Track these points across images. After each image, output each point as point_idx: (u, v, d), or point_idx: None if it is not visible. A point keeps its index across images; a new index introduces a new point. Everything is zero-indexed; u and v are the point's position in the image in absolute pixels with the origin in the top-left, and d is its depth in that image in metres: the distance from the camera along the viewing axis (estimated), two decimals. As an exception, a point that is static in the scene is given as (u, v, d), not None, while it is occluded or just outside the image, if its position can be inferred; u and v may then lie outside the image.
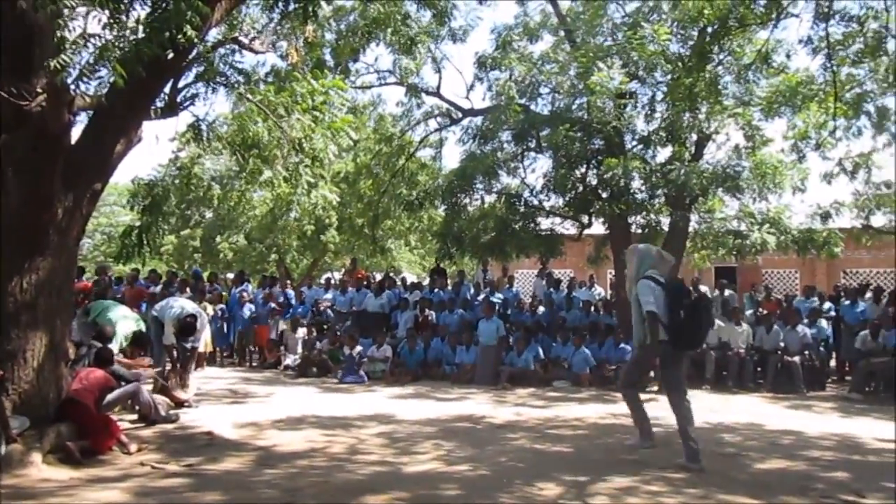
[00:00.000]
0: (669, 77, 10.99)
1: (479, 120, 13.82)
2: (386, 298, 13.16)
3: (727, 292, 13.16)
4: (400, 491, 4.77)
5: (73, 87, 4.99)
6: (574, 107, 12.23)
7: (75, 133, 5.66)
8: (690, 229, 11.80)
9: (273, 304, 13.37)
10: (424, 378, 11.30)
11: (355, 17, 12.33)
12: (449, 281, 15.36)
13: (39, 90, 4.83)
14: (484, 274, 15.07)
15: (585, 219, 12.67)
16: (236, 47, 7.61)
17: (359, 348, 11.31)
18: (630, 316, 5.44)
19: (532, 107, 12.83)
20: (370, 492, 4.73)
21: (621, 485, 5.03)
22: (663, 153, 12.18)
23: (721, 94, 10.35)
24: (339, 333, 12.04)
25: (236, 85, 7.36)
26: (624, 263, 5.76)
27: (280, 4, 5.63)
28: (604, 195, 11.60)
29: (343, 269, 22.69)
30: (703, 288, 14.05)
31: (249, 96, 7.38)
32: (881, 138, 14.64)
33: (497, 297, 13.08)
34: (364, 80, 14.97)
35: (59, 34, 4.24)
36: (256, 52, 7.88)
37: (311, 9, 5.07)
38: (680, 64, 10.59)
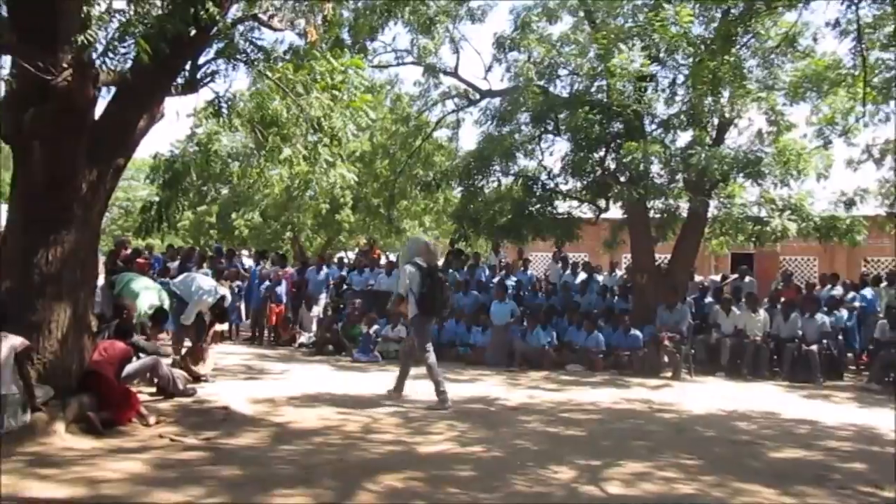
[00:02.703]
0: (691, 60, 10.84)
1: (497, 101, 13.72)
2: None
3: (746, 279, 13.07)
4: (414, 470, 4.82)
5: (98, 62, 5.00)
6: (593, 89, 12.11)
7: (99, 108, 5.70)
8: (709, 215, 11.71)
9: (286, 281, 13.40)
10: (438, 359, 11.30)
11: (373, -5, 12.23)
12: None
13: (65, 65, 4.84)
14: (496, 256, 15.08)
15: (603, 203, 12.59)
16: (255, 24, 7.59)
17: (376, 327, 11.38)
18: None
19: (551, 89, 12.72)
20: (385, 470, 4.79)
21: (635, 470, 5.06)
22: (684, 137, 12.06)
23: (745, 78, 10.18)
24: (356, 311, 12.08)
25: (256, 62, 7.34)
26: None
27: (303, -19, 5.59)
28: (622, 179, 11.52)
29: (357, 248, 22.77)
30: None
31: (269, 73, 7.36)
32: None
33: (512, 280, 13.08)
34: (381, 60, 14.91)
35: (85, 9, 4.25)
36: (275, 30, 7.84)
37: (334, -15, 5.04)
38: (703, 46, 10.42)
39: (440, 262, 14.63)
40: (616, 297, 12.66)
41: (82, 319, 5.86)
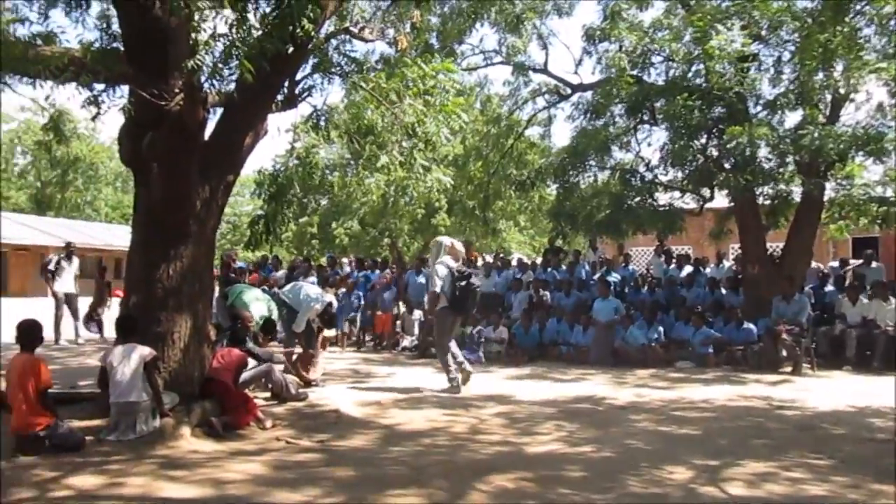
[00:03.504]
0: (797, 35, 10.21)
1: (589, 95, 13.47)
2: (500, 279, 13.17)
3: (873, 264, 12.18)
4: (524, 471, 4.78)
5: (205, 85, 5.28)
6: (690, 74, 11.63)
7: (208, 129, 6.01)
8: (825, 198, 10.99)
9: (394, 289, 13.61)
10: (540, 359, 11.26)
11: (458, -1, 12.32)
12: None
13: (177, 90, 5.15)
14: (594, 252, 14.76)
15: (707, 192, 12.08)
16: (347, 37, 7.80)
17: (479, 327, 11.42)
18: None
19: (645, 77, 12.34)
20: (495, 471, 4.77)
21: (757, 470, 4.80)
22: (792, 118, 11.39)
23: (861, 49, 9.47)
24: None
25: (349, 74, 7.54)
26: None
27: (391, -10, 5.70)
28: (727, 166, 11.01)
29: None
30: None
31: (362, 84, 7.54)
32: None
33: (614, 276, 12.78)
34: (470, 62, 14.97)
35: (193, 36, 4.50)
36: (366, 41, 8.04)
37: (422, -7, 5.10)
38: (810, 20, 9.80)
39: (538, 261, 14.55)
40: (725, 290, 12.10)
41: (201, 329, 6.20)
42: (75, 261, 12.34)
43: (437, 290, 8.20)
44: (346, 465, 4.96)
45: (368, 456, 5.28)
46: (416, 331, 12.73)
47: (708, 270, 12.97)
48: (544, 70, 14.63)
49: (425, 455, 5.31)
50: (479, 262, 15.20)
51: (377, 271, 14.71)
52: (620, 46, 12.53)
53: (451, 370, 8.11)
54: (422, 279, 13.55)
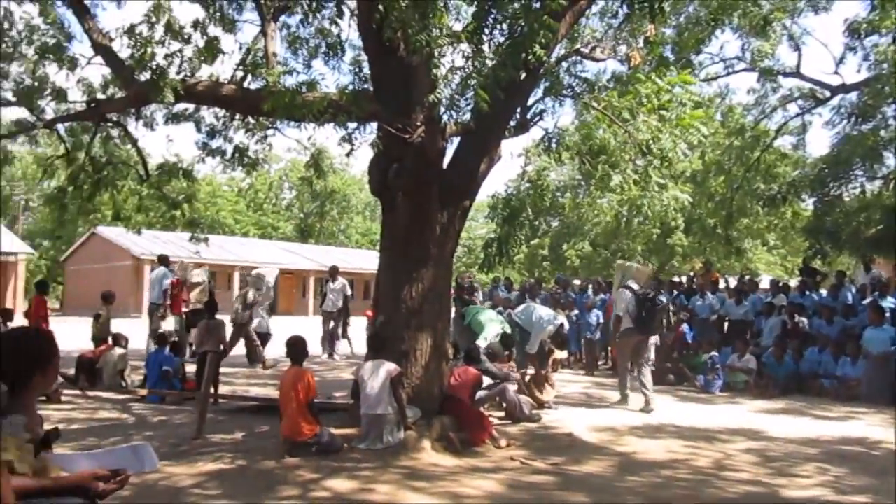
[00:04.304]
0: None
1: (853, 96, 11.99)
2: (747, 303, 12.10)
3: None
4: (781, 516, 4.31)
5: (444, 117, 5.61)
6: None
7: (447, 158, 6.36)
8: None
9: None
10: (796, 392, 10.12)
11: (695, 7, 11.70)
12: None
13: (418, 124, 5.53)
14: (867, 272, 12.94)
15: None
16: (578, 58, 7.79)
17: (714, 353, 10.63)
18: None
19: (926, 71, 10.68)
20: (745, 513, 4.36)
21: None
22: None
23: None
24: (697, 340, 11.43)
25: (581, 95, 7.52)
26: None
27: (624, 7, 5.59)
28: None
29: (692, 272, 21.67)
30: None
31: (594, 104, 7.47)
32: None
33: (889, 302, 11.10)
34: (709, 72, 14.17)
35: (433, 72, 4.81)
36: (597, 60, 7.96)
37: (657, 5, 4.93)
38: None
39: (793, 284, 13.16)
40: None
41: (441, 348, 6.52)
42: (339, 281, 13.57)
43: (620, 313, 8.75)
44: (580, 491, 4.87)
45: (604, 483, 5.12)
46: (653, 355, 12.15)
47: None
48: (797, 73, 13.36)
49: (665, 488, 5.03)
50: (721, 285, 14.14)
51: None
52: (894, 38, 10.99)
53: (647, 393, 8.42)
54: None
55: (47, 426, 2.72)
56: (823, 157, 12.17)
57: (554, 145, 7.50)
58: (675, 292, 13.05)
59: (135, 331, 11.90)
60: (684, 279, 16.57)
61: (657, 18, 5.61)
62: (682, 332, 11.60)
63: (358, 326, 15.10)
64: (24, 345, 2.62)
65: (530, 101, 7.23)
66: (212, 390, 7.42)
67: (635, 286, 8.65)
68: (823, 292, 12.19)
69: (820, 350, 10.45)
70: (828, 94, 12.82)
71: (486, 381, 7.18)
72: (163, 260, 12.75)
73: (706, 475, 5.43)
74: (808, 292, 12.16)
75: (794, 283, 13.95)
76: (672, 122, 7.10)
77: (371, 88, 6.40)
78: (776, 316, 11.59)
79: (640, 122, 6.98)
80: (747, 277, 16.24)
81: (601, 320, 13.07)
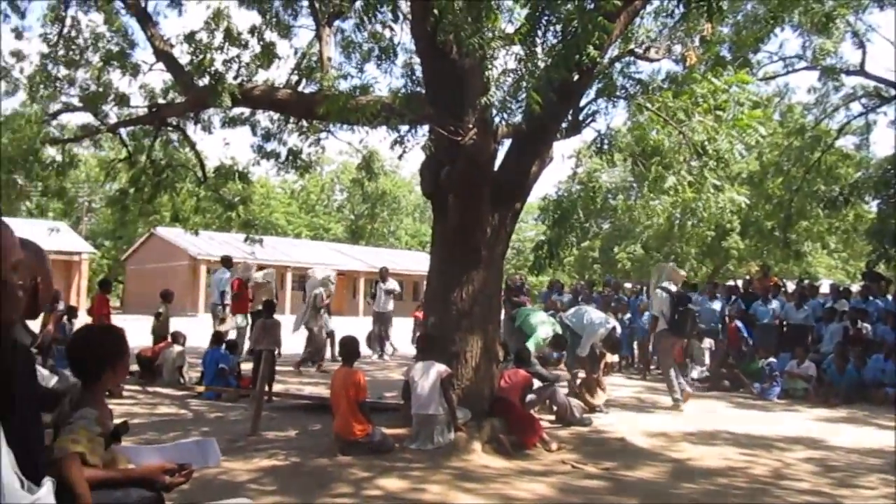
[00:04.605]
0: None
1: (920, 94, 11.51)
2: (807, 308, 11.72)
3: None
4: (843, 528, 4.17)
5: (496, 119, 5.61)
6: None
7: (498, 160, 6.37)
8: None
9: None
10: (859, 401, 9.77)
11: (754, 5, 11.41)
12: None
13: (470, 126, 5.55)
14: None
15: None
16: (632, 59, 7.69)
17: (772, 359, 10.34)
18: None
19: None
20: (806, 524, 4.24)
21: None
22: None
23: None
24: (752, 345, 11.13)
25: (634, 95, 7.42)
26: None
27: (681, 6, 5.49)
28: None
29: (748, 276, 21.13)
30: None
31: (648, 105, 7.37)
32: None
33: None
34: (767, 71, 13.79)
35: (485, 74, 4.82)
36: (651, 61, 7.85)
37: (714, 4, 4.83)
38: None
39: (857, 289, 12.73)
40: None
41: (491, 349, 6.52)
42: (390, 283, 13.67)
43: (656, 313, 9.07)
44: (633, 496, 4.81)
45: (657, 489, 5.05)
46: (707, 360, 11.90)
47: None
48: (861, 71, 12.90)
49: (721, 495, 4.93)
50: (779, 289, 13.74)
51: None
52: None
53: (676, 391, 8.68)
54: (715, 305, 12.65)
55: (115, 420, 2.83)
56: (888, 157, 11.72)
57: (606, 147, 7.43)
58: (733, 297, 12.72)
59: (192, 329, 12.24)
60: (739, 283, 16.18)
61: (714, 17, 5.49)
62: (739, 337, 11.32)
63: (405, 327, 15.27)
64: (96, 341, 2.74)
65: (583, 103, 7.17)
66: (266, 388, 7.59)
67: (672, 287, 8.88)
68: (889, 297, 11.72)
69: (885, 358, 10.06)
70: (893, 92, 12.34)
71: (536, 383, 7.16)
72: (225, 261, 12.99)
73: (764, 484, 5.29)
74: (871, 297, 11.72)
75: (855, 287, 13.45)
76: (729, 122, 6.95)
77: (423, 91, 6.45)
78: (837, 322, 11.21)
79: (696, 123, 6.86)
80: (806, 281, 15.75)
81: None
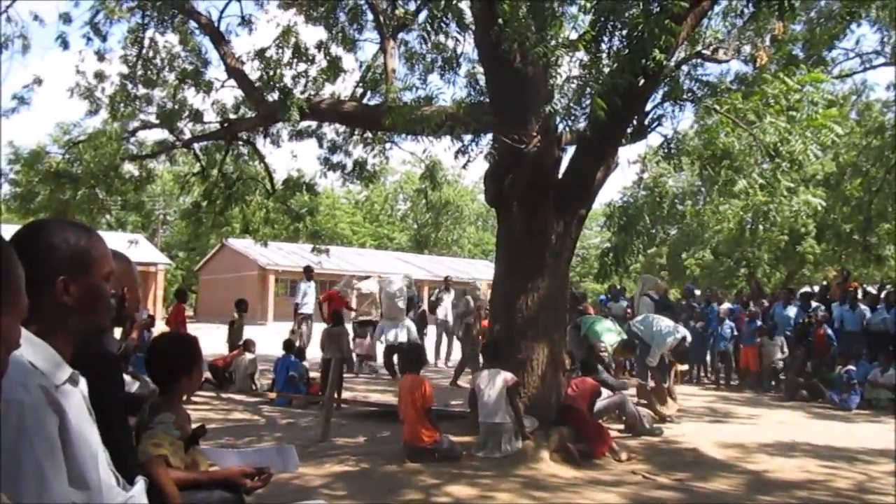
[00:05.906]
0: None
1: None
2: (890, 315, 11.14)
3: None
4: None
5: (560, 126, 5.59)
6: None
7: (562, 166, 6.33)
8: None
9: (759, 323, 12.49)
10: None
11: (828, 1, 10.99)
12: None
13: (534, 133, 5.55)
14: None
15: None
16: (699, 61, 7.53)
17: (851, 367, 9.88)
18: None
19: None
20: (894, 541, 4.04)
21: None
22: None
23: None
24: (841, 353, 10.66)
25: (702, 98, 7.26)
26: None
27: (750, 5, 5.35)
28: None
29: (825, 282, 20.25)
30: None
31: (716, 107, 7.20)
32: None
33: None
34: (843, 68, 13.26)
35: (550, 82, 4.82)
36: (720, 62, 7.68)
37: (786, 2, 4.68)
38: None
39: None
40: None
41: (557, 357, 6.48)
42: (452, 292, 13.67)
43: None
44: (707, 509, 4.68)
45: (734, 502, 4.90)
46: (778, 359, 11.46)
47: None
48: (944, 64, 12.23)
49: (801, 510, 4.74)
50: (860, 294, 13.11)
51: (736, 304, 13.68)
52: None
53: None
54: (790, 311, 12.17)
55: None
56: (979, 155, 11.06)
57: (673, 151, 7.29)
58: (813, 303, 12.22)
59: (262, 337, 12.57)
60: (816, 289, 15.53)
61: (786, 15, 5.34)
62: (828, 344, 10.87)
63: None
64: (173, 349, 2.88)
65: (648, 107, 7.06)
66: (335, 395, 7.74)
67: (655, 296, 10.04)
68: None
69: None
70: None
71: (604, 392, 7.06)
72: (307, 271, 13.01)
73: (846, 498, 5.08)
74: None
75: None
76: (802, 122, 6.71)
77: (487, 100, 6.49)
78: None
79: (767, 124, 6.65)
80: (888, 287, 14.96)
81: (735, 332, 12.48)
